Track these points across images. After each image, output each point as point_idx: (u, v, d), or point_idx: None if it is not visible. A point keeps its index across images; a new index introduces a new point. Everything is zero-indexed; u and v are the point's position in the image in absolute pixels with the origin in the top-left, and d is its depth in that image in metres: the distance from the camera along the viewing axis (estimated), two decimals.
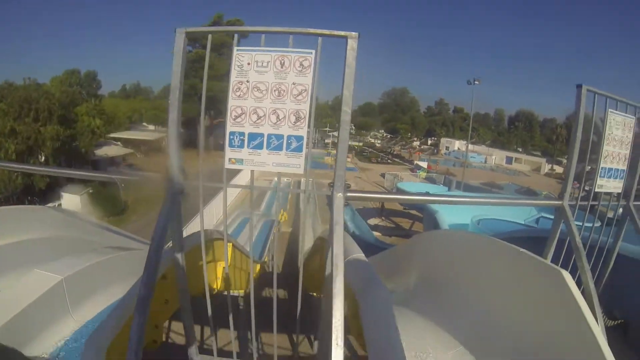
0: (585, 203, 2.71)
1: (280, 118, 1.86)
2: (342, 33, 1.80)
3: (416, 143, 75.27)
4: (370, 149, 68.76)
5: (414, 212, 21.34)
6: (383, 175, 39.46)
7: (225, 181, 2.05)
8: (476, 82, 37.55)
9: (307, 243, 16.09)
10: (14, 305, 2.16)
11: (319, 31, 1.81)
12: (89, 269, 2.69)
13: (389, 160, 57.80)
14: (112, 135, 38.38)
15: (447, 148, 66.41)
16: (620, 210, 2.99)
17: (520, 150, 67.50)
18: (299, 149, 1.88)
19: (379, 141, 78.51)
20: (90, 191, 24.56)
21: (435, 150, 68.30)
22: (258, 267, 6.21)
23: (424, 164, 47.80)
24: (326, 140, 68.50)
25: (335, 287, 1.58)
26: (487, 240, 2.35)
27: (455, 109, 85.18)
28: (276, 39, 1.90)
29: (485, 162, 56.78)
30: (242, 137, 1.91)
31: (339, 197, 1.89)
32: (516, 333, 1.79)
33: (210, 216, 18.14)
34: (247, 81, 1.88)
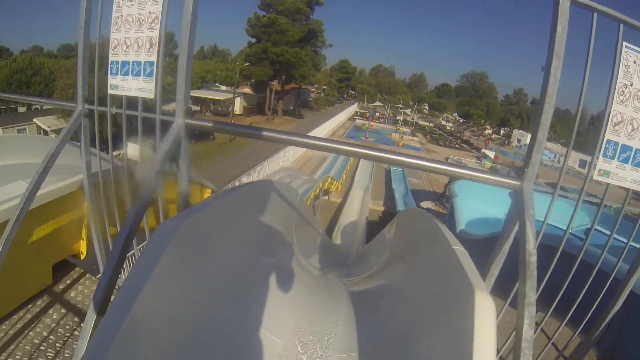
0: (567, 194, 1.86)
1: (140, 46, 1.90)
2: None
3: (488, 131, 71.87)
4: (440, 131, 66.82)
5: None
6: (447, 159, 37.82)
7: (108, 106, 2.10)
8: None
9: (351, 215, 16.09)
10: None
11: None
12: None
13: (456, 145, 55.76)
14: None
15: (518, 141, 61.51)
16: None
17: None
18: (151, 74, 1.88)
19: (451, 124, 75.70)
20: (153, 142, 26.12)
21: (507, 142, 64.10)
22: None
23: (492, 154, 45.33)
24: (397, 117, 67.53)
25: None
26: (436, 228, 1.85)
27: (534, 100, 79.47)
28: None
29: (559, 161, 51.41)
30: (117, 66, 1.98)
31: (178, 123, 1.78)
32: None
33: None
34: (122, 15, 1.95)
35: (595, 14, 1.57)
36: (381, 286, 2.41)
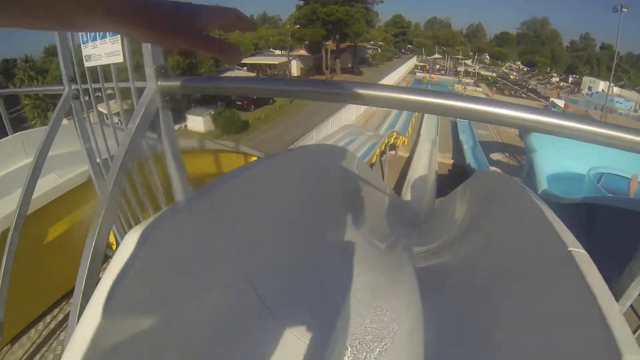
0: None
1: None
2: None
3: (555, 79, 66.78)
4: (504, 81, 63.19)
5: None
6: None
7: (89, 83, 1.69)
8: (624, 10, 30.88)
9: (420, 169, 15.43)
10: None
11: None
12: None
13: (522, 95, 52.01)
14: None
15: (589, 88, 55.32)
16: None
17: None
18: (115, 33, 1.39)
19: (515, 73, 70.99)
20: (212, 112, 27.46)
21: (576, 90, 58.36)
22: None
23: (561, 103, 41.51)
24: (458, 69, 65.63)
25: None
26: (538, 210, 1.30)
27: (603, 45, 71.99)
28: None
29: (636, 110, 44.86)
30: None
31: (150, 88, 1.22)
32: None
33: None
34: None
35: None
36: (458, 272, 2.01)
